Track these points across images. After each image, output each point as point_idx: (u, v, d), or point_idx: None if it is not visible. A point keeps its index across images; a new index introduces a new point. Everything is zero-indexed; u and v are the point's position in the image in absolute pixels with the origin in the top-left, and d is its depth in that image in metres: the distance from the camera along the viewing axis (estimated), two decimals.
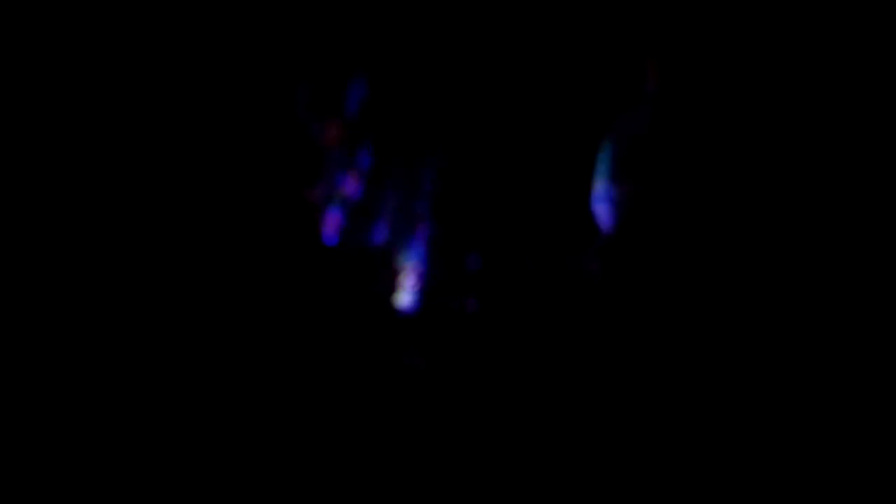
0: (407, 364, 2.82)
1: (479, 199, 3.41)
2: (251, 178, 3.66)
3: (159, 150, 3.34)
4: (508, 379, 2.93)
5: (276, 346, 2.89)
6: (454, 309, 3.23)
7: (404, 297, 3.56)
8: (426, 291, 3.52)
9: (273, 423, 2.69)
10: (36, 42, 3.25)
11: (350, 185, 4.15)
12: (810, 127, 3.06)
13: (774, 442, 2.74)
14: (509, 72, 3.61)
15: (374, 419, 2.66)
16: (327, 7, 3.78)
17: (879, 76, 2.96)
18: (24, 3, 3.24)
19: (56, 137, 3.26)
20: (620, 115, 3.39)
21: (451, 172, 3.64)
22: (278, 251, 3.22)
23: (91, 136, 3.29)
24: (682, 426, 2.78)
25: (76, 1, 3.32)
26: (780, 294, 2.93)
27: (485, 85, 3.69)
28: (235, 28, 3.69)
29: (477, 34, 3.67)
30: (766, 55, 3.14)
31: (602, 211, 3.28)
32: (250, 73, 3.81)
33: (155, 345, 3.03)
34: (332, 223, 4.00)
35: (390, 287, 3.30)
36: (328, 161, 4.02)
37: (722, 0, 3.18)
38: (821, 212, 3.02)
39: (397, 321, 3.23)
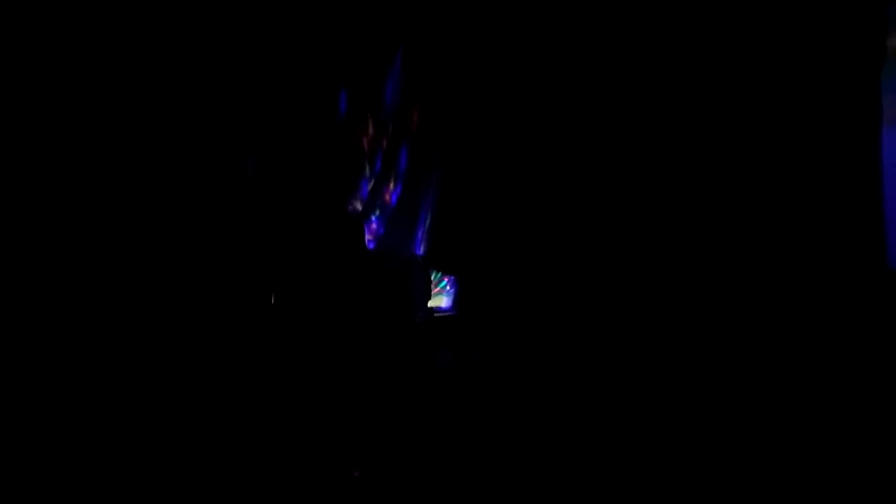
0: (439, 363, 2.90)
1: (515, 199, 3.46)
2: (291, 186, 3.76)
3: (189, 156, 3.40)
4: (535, 377, 3.00)
5: (312, 346, 2.94)
6: (488, 310, 3.31)
7: (441, 299, 3.66)
8: (459, 293, 3.62)
9: (308, 416, 2.72)
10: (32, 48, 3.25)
11: (388, 192, 4.28)
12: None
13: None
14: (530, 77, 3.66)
15: (406, 415, 2.68)
16: (354, 15, 3.87)
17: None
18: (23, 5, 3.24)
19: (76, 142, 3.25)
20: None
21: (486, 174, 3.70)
22: (318, 256, 3.29)
23: (118, 142, 3.29)
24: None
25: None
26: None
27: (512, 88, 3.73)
28: (267, 35, 3.76)
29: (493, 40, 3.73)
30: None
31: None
32: (286, 82, 3.88)
33: (194, 343, 3.06)
34: (369, 229, 4.13)
35: (426, 289, 3.38)
36: (366, 168, 4.14)
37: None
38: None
39: (433, 323, 3.30)
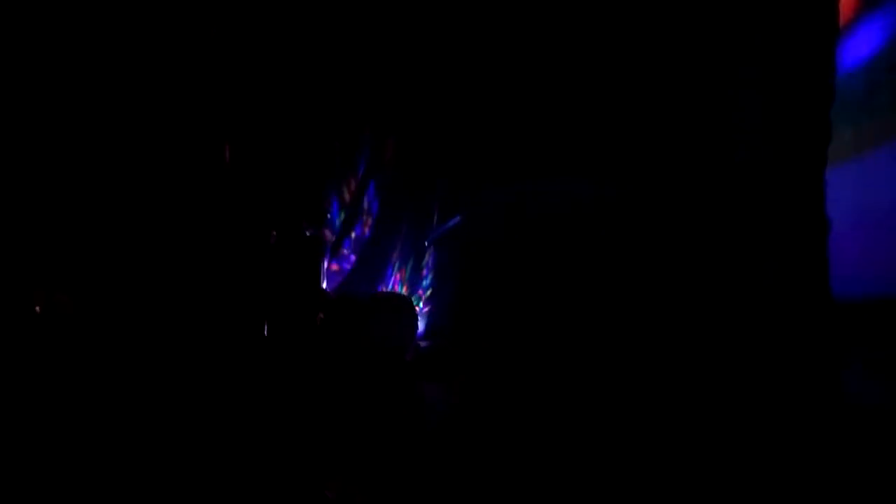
0: (428, 397, 2.97)
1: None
2: (268, 222, 3.83)
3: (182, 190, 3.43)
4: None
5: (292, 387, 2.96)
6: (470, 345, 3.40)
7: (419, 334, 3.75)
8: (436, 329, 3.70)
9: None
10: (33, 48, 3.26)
11: (363, 226, 4.40)
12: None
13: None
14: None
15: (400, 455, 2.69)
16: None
17: None
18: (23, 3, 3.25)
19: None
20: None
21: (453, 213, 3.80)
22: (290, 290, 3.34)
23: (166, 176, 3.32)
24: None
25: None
26: None
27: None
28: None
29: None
30: None
31: None
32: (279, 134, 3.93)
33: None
34: (343, 265, 4.25)
35: (414, 327, 3.42)
36: (343, 206, 4.24)
37: None
38: None
39: (415, 357, 3.36)
